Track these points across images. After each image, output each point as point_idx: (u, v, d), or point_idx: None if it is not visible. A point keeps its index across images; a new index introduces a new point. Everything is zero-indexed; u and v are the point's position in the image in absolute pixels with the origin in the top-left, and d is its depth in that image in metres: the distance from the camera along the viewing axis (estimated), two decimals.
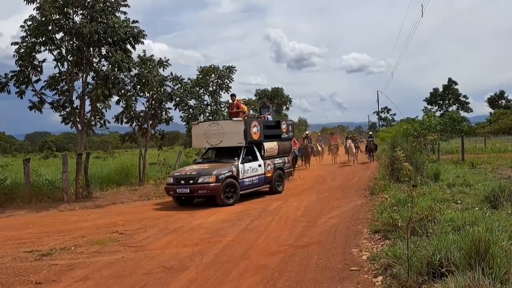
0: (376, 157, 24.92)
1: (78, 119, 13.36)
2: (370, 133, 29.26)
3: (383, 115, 66.16)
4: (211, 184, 10.39)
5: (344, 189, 12.64)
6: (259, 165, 12.07)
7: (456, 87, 61.92)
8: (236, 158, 11.49)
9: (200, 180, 10.43)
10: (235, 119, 12.30)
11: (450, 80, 62.55)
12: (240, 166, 11.35)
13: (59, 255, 6.15)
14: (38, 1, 12.36)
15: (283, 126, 13.67)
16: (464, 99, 61.84)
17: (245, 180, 11.43)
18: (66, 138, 68.92)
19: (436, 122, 19.10)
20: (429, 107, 61.06)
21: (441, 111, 58.44)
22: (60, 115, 13.44)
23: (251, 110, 30.10)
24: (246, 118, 12.73)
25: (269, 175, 12.38)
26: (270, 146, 12.67)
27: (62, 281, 5.05)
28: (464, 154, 19.26)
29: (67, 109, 13.34)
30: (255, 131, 12.08)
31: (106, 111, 13.96)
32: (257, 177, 11.93)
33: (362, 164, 23.10)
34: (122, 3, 13.12)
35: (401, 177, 4.33)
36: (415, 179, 9.65)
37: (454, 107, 61.04)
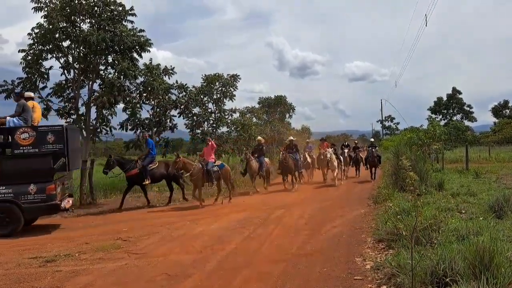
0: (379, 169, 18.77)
1: (83, 126, 13.46)
2: (372, 140, 21.45)
3: (386, 123, 65.96)
4: None
5: (347, 198, 12.59)
6: None
7: (460, 96, 61.77)
8: None
9: None
10: None
11: (454, 89, 62.42)
12: None
13: (63, 262, 6.17)
14: (46, 9, 12.55)
15: (22, 136, 8.69)
16: (468, 108, 61.65)
17: None
18: None
19: (441, 132, 19.04)
20: (433, 116, 60.86)
21: (445, 120, 58.25)
22: (66, 122, 13.56)
23: (254, 118, 29.99)
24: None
25: None
26: None
27: (66, 287, 5.06)
28: (468, 163, 19.17)
29: (73, 116, 13.47)
30: None
31: (111, 118, 14.09)
32: None
33: (361, 183, 16.93)
34: (130, 12, 13.30)
35: (406, 186, 4.33)
36: (419, 188, 9.62)
37: (458, 116, 60.85)
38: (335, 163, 16.39)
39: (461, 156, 23.70)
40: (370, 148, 18.50)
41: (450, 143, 28.55)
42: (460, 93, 62.08)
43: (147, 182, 12.16)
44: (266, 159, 16.07)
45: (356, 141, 23.18)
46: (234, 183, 13.29)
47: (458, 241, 5.20)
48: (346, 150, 18.78)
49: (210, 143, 12.68)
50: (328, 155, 16.29)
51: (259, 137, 17.03)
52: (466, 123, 57.67)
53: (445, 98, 61.91)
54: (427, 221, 5.40)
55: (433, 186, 11.29)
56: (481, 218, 6.86)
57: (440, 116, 60.87)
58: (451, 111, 61.54)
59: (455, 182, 13.02)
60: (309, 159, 17.72)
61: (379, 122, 63.56)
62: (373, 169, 17.66)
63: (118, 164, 12.16)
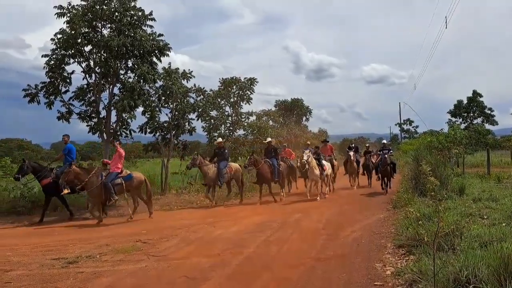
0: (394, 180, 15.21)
1: (104, 129, 13.69)
2: (384, 141, 16.85)
3: (405, 126, 65.11)
4: None
5: (365, 202, 12.47)
6: None
7: (481, 99, 60.57)
8: None
9: None
10: None
11: (474, 92, 61.21)
12: None
13: (85, 263, 6.27)
14: (69, 15, 12.83)
15: None
16: (489, 111, 60.40)
17: None
18: (90, 147, 70.34)
19: (462, 135, 18.68)
20: (453, 119, 59.86)
21: (466, 124, 57.22)
22: (87, 125, 13.83)
23: (270, 121, 29.95)
24: None
25: None
26: None
27: None
28: (490, 168, 18.80)
29: (94, 120, 13.70)
30: None
31: (131, 121, 14.29)
32: None
33: (370, 195, 13.82)
34: (149, 17, 13.51)
35: (427, 191, 4.28)
36: (440, 193, 9.48)
37: (479, 120, 59.65)
38: (317, 171, 13.10)
39: (482, 160, 23.28)
40: (382, 152, 14.66)
41: (470, 147, 27.97)
42: (481, 96, 60.82)
43: (65, 191, 10.31)
44: (234, 164, 13.78)
45: (368, 144, 19.78)
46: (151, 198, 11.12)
47: (481, 247, 5.11)
48: (351, 153, 15.90)
49: (117, 149, 10.63)
50: (305, 158, 12.74)
51: (219, 139, 14.55)
52: (487, 126, 56.40)
53: (465, 101, 60.80)
54: (449, 227, 5.32)
55: (454, 191, 11.12)
56: (504, 224, 6.73)
57: (460, 120, 59.79)
58: (472, 114, 60.34)
59: (476, 187, 12.78)
60: (305, 164, 13.82)
61: (398, 126, 62.81)
62: (386, 179, 14.28)
63: (33, 170, 10.85)
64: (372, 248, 6.64)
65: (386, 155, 14.10)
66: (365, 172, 16.54)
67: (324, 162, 14.04)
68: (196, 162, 12.62)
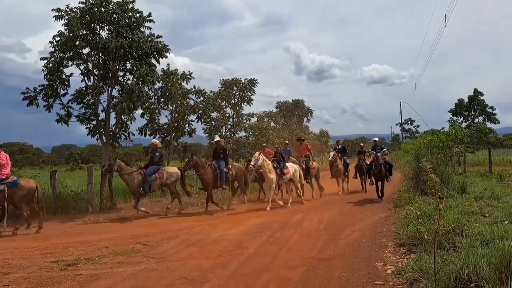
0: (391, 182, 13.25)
1: (103, 132, 13.67)
2: (376, 139, 14.36)
3: (406, 126, 65.04)
4: None
5: (367, 202, 12.41)
6: None
7: (482, 97, 60.41)
8: None
9: None
10: None
11: (475, 90, 61.08)
12: None
13: (83, 266, 6.23)
14: (67, 17, 12.83)
15: None
16: (490, 110, 60.22)
17: None
18: (91, 150, 70.39)
19: (463, 134, 18.61)
20: (455, 118, 59.73)
21: (467, 122, 57.09)
22: (86, 128, 13.82)
23: (271, 123, 29.95)
24: None
25: None
26: None
27: None
28: (492, 166, 18.72)
29: (93, 122, 13.69)
30: None
31: (130, 123, 14.28)
32: None
33: (360, 204, 11.87)
34: (147, 18, 13.50)
35: (427, 189, 4.24)
36: (441, 191, 9.42)
37: (480, 118, 59.50)
38: (271, 175, 11.60)
39: (484, 159, 23.20)
40: (374, 152, 12.68)
41: (472, 146, 27.91)
42: (482, 94, 60.71)
43: None
44: (170, 169, 12.29)
45: (362, 144, 18.06)
46: (42, 209, 10.01)
47: (482, 245, 5.06)
48: (331, 154, 14.79)
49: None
50: (252, 163, 11.21)
51: (153, 140, 13.31)
52: (489, 125, 56.30)
53: (466, 100, 60.64)
54: (450, 225, 5.27)
55: (456, 189, 11.08)
56: (506, 222, 6.67)
57: (462, 118, 59.66)
58: (473, 113, 60.19)
59: (478, 186, 12.72)
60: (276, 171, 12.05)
61: (399, 125, 62.71)
62: (380, 183, 12.23)
63: None
64: (373, 247, 6.59)
65: (378, 154, 12.27)
66: (357, 174, 15.11)
67: (288, 164, 12.43)
68: (114, 168, 11.05)
